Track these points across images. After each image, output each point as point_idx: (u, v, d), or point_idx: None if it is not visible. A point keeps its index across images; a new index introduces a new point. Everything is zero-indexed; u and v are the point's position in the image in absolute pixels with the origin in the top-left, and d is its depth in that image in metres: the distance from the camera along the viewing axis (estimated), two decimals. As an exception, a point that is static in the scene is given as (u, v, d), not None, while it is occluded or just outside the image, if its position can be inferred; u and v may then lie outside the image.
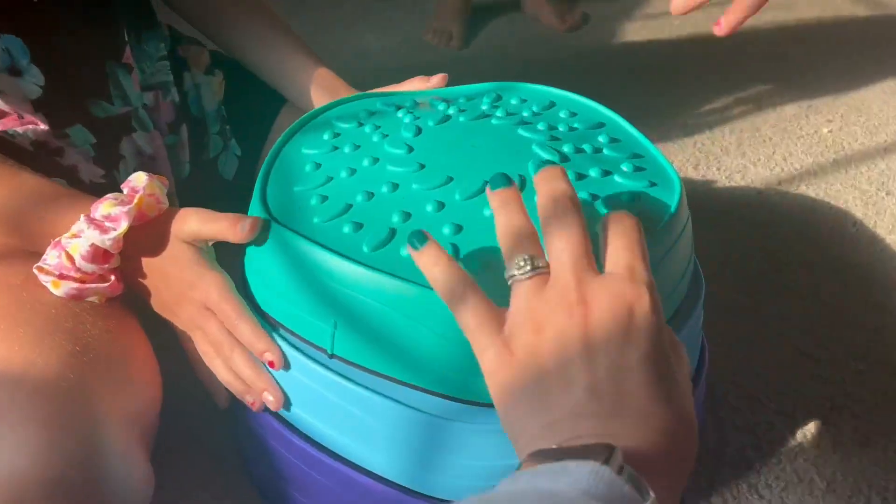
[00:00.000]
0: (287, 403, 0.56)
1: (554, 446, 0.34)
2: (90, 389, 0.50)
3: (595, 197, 0.53)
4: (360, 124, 0.62)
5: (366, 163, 0.57)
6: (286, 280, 0.52)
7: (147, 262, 0.56)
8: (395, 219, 0.52)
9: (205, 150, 0.79)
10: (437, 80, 0.69)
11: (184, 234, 0.55)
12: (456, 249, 0.49)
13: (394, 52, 1.48)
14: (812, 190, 1.06)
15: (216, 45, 0.79)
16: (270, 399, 0.55)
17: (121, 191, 0.55)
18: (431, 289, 0.44)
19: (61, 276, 0.54)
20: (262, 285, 0.55)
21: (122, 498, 0.49)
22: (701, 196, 1.05)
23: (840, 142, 1.18)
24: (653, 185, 0.56)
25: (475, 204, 0.53)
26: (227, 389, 0.57)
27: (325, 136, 0.61)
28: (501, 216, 0.43)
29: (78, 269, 0.53)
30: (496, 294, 0.42)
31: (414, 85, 0.70)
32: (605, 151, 0.59)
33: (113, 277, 0.55)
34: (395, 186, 0.55)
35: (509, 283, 0.41)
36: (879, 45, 1.49)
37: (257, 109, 0.79)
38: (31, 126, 0.63)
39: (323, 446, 0.55)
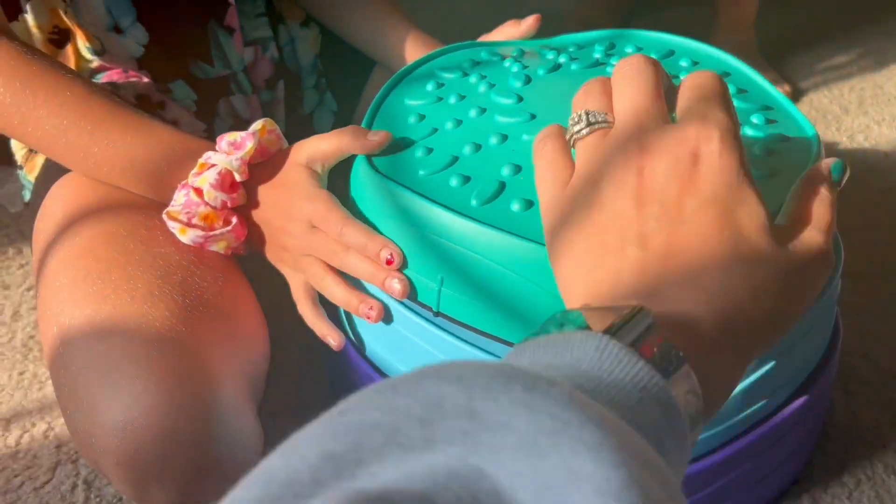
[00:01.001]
0: (396, 343, 0.53)
1: (579, 306, 0.30)
2: (203, 343, 0.49)
3: None
4: (465, 74, 0.59)
5: (473, 113, 0.54)
6: (390, 234, 0.50)
7: (264, 193, 0.54)
8: (505, 171, 0.49)
9: (300, 105, 0.77)
10: (530, 21, 0.65)
11: (301, 156, 0.54)
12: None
13: (486, 7, 1.43)
14: (946, 151, 0.98)
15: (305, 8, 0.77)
16: (397, 286, 0.49)
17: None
18: (543, 245, 0.41)
19: (189, 224, 0.53)
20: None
21: (233, 451, 0.48)
22: (820, 157, 0.98)
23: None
24: (786, 139, 0.51)
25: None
26: (340, 326, 0.55)
27: (429, 87, 0.58)
28: (581, 92, 0.39)
29: (206, 204, 0.52)
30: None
31: (506, 32, 0.66)
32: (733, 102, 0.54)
33: (235, 220, 0.54)
34: (505, 138, 0.52)
35: (571, 144, 0.38)
36: None
37: (354, 63, 0.77)
38: (134, 79, 0.62)
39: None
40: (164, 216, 0.53)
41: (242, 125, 0.70)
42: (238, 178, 0.53)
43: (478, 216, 0.46)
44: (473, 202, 0.47)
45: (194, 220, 0.53)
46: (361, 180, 0.53)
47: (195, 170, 0.53)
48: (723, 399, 0.30)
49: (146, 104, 0.63)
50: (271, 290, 0.59)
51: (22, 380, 0.68)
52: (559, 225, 0.35)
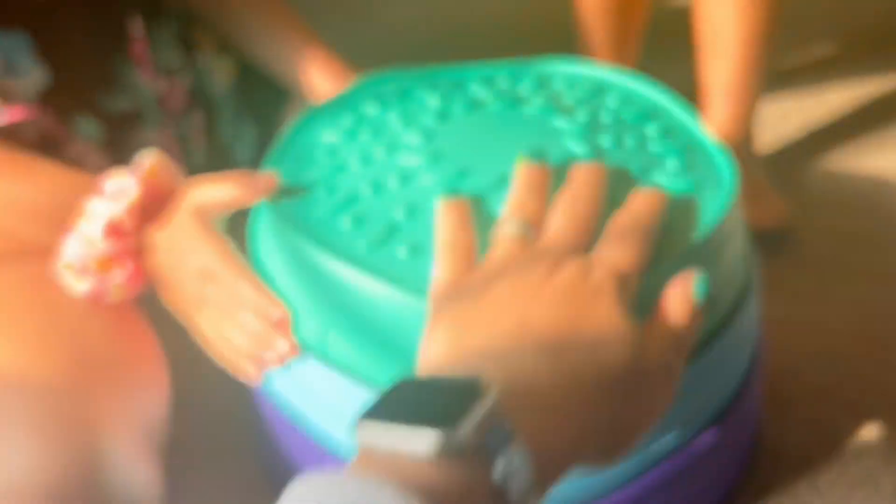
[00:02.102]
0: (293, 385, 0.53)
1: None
2: (91, 394, 0.48)
3: None
4: (384, 107, 0.58)
5: (380, 152, 0.53)
6: (281, 274, 0.50)
7: (158, 238, 0.53)
8: (398, 214, 0.48)
9: (219, 135, 0.76)
10: None
11: (189, 203, 0.52)
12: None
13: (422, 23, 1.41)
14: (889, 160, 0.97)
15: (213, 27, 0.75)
16: (285, 347, 0.50)
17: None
18: (425, 298, 0.41)
19: (83, 270, 0.52)
20: (264, 279, 0.52)
21: (125, 503, 0.47)
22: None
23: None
24: (700, 187, 0.50)
25: (485, 199, 0.48)
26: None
27: (346, 120, 0.57)
28: (518, 184, 0.45)
29: (99, 254, 0.51)
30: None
31: None
32: (651, 145, 0.53)
33: (133, 265, 0.53)
34: (406, 179, 0.51)
35: (494, 234, 0.43)
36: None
37: (274, 90, 0.75)
38: (36, 118, 0.61)
39: (333, 444, 0.52)
40: (62, 269, 0.52)
41: None
42: (124, 222, 0.51)
43: (362, 262, 0.45)
44: (361, 246, 0.46)
45: (87, 270, 0.52)
46: (257, 217, 0.52)
47: (82, 218, 0.51)
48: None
49: (50, 142, 0.62)
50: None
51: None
52: (448, 302, 0.39)
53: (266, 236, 0.51)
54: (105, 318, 0.53)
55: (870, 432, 0.64)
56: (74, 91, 0.62)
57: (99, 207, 0.51)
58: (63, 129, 0.63)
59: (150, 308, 0.58)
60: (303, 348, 0.50)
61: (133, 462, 0.48)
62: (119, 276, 0.52)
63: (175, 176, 0.54)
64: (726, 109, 0.79)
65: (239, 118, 0.76)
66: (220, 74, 0.74)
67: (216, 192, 0.51)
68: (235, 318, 0.51)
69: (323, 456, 0.53)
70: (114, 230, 0.51)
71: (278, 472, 0.61)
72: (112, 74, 0.65)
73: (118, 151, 0.66)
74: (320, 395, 0.50)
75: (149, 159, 0.52)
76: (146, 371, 0.54)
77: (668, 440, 0.51)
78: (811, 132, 1.02)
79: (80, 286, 0.52)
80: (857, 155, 0.97)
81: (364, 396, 0.48)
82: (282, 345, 0.50)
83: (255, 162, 0.77)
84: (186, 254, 0.51)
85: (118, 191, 0.52)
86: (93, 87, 0.64)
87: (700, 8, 0.77)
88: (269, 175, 0.51)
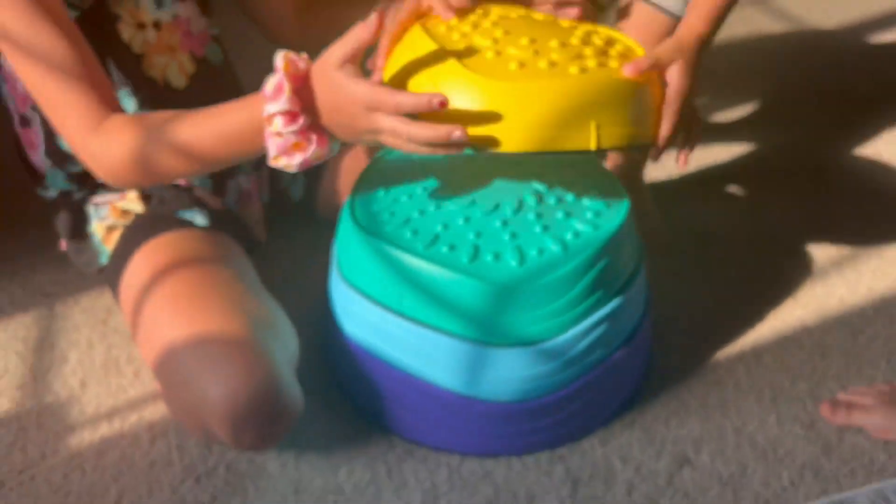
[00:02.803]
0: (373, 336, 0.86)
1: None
2: (266, 344, 0.80)
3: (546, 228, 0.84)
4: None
5: (422, 189, 0.88)
6: (370, 262, 0.83)
7: (321, 104, 0.71)
8: (439, 228, 0.83)
9: (279, 180, 1.08)
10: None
11: (331, 63, 0.69)
12: (476, 247, 0.81)
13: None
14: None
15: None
16: (458, 133, 0.67)
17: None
18: (460, 276, 0.78)
19: (287, 153, 0.72)
20: (350, 261, 0.86)
21: (289, 406, 0.79)
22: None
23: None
24: (609, 207, 0.87)
25: (490, 218, 0.85)
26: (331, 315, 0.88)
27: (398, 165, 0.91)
28: None
29: (288, 139, 0.71)
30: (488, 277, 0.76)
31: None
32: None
33: (315, 136, 0.72)
34: (439, 205, 0.86)
35: None
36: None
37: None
38: None
39: (400, 368, 0.86)
40: (272, 163, 0.73)
41: (244, 199, 1.01)
42: (293, 108, 0.70)
43: (422, 255, 0.80)
44: (419, 247, 0.81)
45: (293, 155, 0.72)
46: (345, 235, 0.87)
47: (266, 122, 0.71)
48: None
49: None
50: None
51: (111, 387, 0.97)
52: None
53: (354, 247, 0.85)
54: (255, 296, 0.86)
55: (726, 354, 1.01)
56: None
57: (271, 108, 0.70)
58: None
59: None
60: (384, 308, 0.83)
61: (289, 382, 0.81)
62: (311, 145, 0.72)
63: (303, 60, 0.72)
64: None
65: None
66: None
67: (344, 47, 0.69)
68: (409, 133, 0.68)
69: (390, 373, 0.86)
70: (290, 118, 0.71)
71: (353, 389, 0.93)
72: None
73: (223, 191, 0.98)
74: (393, 335, 0.84)
75: (280, 59, 0.71)
76: (286, 326, 0.86)
77: (597, 355, 0.87)
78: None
79: (292, 163, 0.72)
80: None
81: (418, 333, 0.82)
82: (456, 133, 0.67)
83: (305, 200, 1.10)
84: (347, 100, 0.69)
85: (275, 90, 0.70)
86: None
87: None
88: (370, 20, 0.68)
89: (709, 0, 0.85)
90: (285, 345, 0.84)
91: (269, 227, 1.06)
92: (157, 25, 0.90)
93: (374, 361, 0.87)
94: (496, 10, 0.83)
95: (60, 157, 0.91)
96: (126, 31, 0.88)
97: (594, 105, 0.73)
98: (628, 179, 1.09)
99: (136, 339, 0.88)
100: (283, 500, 0.85)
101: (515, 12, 0.84)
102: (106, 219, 0.93)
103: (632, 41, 0.83)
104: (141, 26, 0.89)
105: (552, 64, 0.75)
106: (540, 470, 0.87)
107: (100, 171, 0.80)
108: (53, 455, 0.89)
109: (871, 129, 1.43)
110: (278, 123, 0.71)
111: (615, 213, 0.86)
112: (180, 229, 0.91)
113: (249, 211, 1.02)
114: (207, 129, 0.76)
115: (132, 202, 0.92)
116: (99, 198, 0.94)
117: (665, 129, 0.78)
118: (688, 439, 0.91)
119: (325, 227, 1.03)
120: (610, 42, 0.81)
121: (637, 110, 0.76)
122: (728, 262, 1.16)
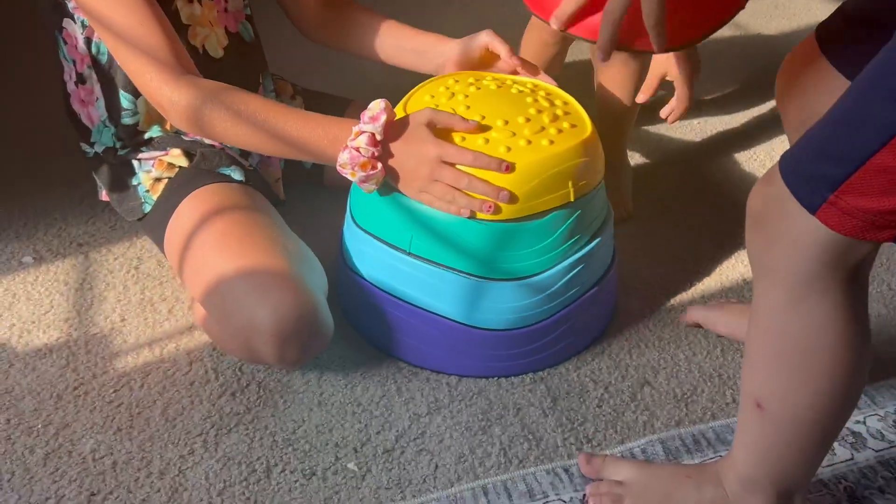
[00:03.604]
0: (384, 275, 1.01)
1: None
2: (304, 276, 0.95)
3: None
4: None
5: None
6: (383, 210, 0.98)
7: (396, 146, 0.89)
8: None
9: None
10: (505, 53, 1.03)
11: (420, 120, 0.89)
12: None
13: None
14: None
15: (346, 50, 1.16)
16: (504, 194, 0.89)
17: None
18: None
19: (354, 167, 0.88)
20: (364, 211, 1.01)
21: (325, 326, 0.94)
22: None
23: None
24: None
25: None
26: (346, 265, 1.03)
27: None
28: None
29: (362, 156, 0.87)
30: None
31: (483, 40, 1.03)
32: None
33: (380, 165, 0.89)
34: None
35: None
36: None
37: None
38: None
39: (407, 300, 1.01)
40: (339, 168, 0.89)
41: (264, 163, 1.16)
42: (379, 138, 0.87)
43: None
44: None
45: (357, 168, 0.89)
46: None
47: (352, 136, 0.88)
48: None
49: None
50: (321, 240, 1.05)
51: (148, 321, 1.10)
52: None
53: (369, 197, 0.99)
54: (291, 235, 1.00)
55: (679, 299, 1.19)
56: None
57: (365, 127, 0.87)
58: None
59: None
60: (395, 247, 0.99)
61: (324, 306, 0.95)
62: (373, 171, 0.89)
63: (392, 110, 0.90)
64: None
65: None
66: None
67: (437, 116, 0.90)
68: (468, 184, 0.88)
69: (399, 305, 1.01)
70: (373, 141, 0.88)
71: (365, 322, 1.08)
72: None
73: (247, 154, 1.12)
74: (402, 272, 0.99)
75: (381, 101, 0.88)
76: (316, 262, 1.00)
77: (574, 292, 1.03)
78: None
79: (354, 175, 0.89)
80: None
81: (425, 269, 0.97)
82: (504, 194, 0.89)
83: (315, 168, 1.25)
84: (424, 151, 0.88)
85: (372, 117, 0.88)
86: None
87: None
88: (470, 123, 0.91)
89: None
90: (318, 276, 0.98)
91: (286, 189, 1.21)
92: (201, 1, 1.04)
93: (385, 296, 1.02)
94: (459, 89, 1.00)
95: (116, 111, 1.05)
96: (179, 3, 1.02)
97: (570, 167, 0.94)
98: (614, 157, 1.27)
99: (183, 275, 1.02)
100: (308, 410, 0.99)
101: (473, 86, 1.00)
102: (151, 171, 1.07)
103: (558, 90, 1.03)
104: (190, 1, 1.03)
105: (528, 142, 0.93)
106: (525, 388, 1.03)
107: (171, 113, 0.93)
108: (103, 374, 1.03)
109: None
110: (362, 140, 0.87)
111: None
112: (221, 182, 1.05)
113: (270, 171, 1.16)
114: (292, 116, 0.91)
115: (177, 157, 1.06)
116: (144, 154, 1.08)
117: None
118: (647, 366, 1.08)
119: (332, 194, 1.19)
120: (550, 98, 1.01)
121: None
122: (685, 227, 1.34)
